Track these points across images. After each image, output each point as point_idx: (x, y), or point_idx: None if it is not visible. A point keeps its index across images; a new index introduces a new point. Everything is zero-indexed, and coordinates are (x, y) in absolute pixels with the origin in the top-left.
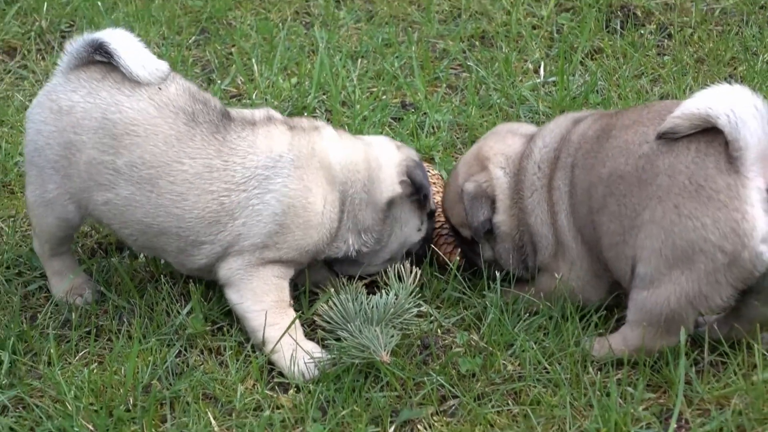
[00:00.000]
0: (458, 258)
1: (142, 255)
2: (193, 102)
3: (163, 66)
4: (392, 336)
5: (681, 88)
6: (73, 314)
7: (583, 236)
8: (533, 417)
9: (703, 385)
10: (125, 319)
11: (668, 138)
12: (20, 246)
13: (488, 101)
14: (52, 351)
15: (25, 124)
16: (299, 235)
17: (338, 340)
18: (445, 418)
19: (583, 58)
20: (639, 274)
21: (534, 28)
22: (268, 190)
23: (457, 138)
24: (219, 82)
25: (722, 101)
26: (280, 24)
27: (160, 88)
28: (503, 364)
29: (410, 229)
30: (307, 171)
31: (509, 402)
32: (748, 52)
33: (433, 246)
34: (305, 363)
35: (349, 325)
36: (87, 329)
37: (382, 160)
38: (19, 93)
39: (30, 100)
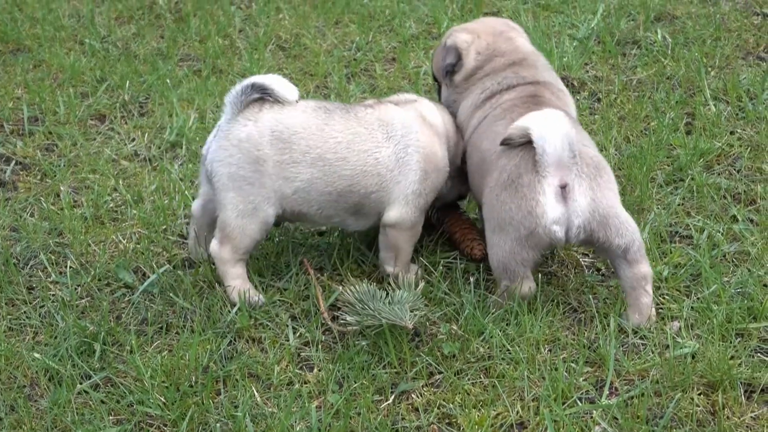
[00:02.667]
0: (478, 254)
1: (202, 267)
2: (318, 103)
3: (296, 90)
4: (416, 308)
5: (608, 139)
6: (149, 314)
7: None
8: (500, 387)
9: (629, 361)
10: (189, 317)
11: (508, 144)
12: (108, 263)
13: None
14: (133, 342)
15: (211, 165)
16: (434, 177)
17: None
18: (432, 389)
19: None
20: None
21: None
22: (408, 145)
23: None
24: None
25: (537, 121)
26: (305, 95)
27: (297, 101)
28: (476, 347)
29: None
30: (424, 129)
31: (481, 376)
32: (658, 111)
33: (463, 239)
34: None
35: (370, 303)
36: (160, 326)
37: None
38: (108, 148)
39: (116, 155)
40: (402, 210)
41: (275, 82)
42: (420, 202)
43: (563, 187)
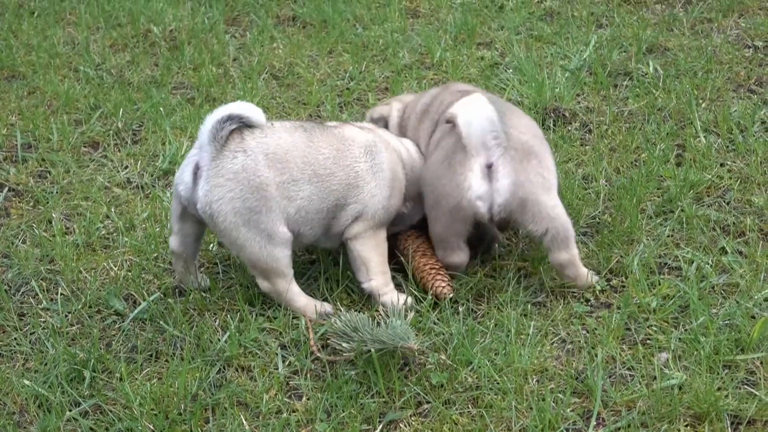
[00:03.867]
0: (448, 294)
1: (192, 295)
2: (292, 123)
3: (261, 111)
4: (413, 333)
5: (598, 170)
6: (139, 341)
7: None
8: (487, 417)
9: (616, 392)
10: (179, 345)
11: (450, 123)
12: (99, 290)
13: None
14: (122, 370)
15: (209, 207)
16: (397, 196)
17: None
18: (420, 419)
19: None
20: None
21: None
22: (382, 161)
23: None
24: None
25: (462, 107)
26: None
27: (272, 124)
28: (465, 377)
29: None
30: (389, 150)
31: (469, 406)
32: (649, 142)
33: (430, 281)
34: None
35: (366, 329)
36: (150, 353)
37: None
38: (100, 176)
39: (109, 182)
40: (365, 222)
41: (247, 108)
42: (383, 216)
43: (489, 167)
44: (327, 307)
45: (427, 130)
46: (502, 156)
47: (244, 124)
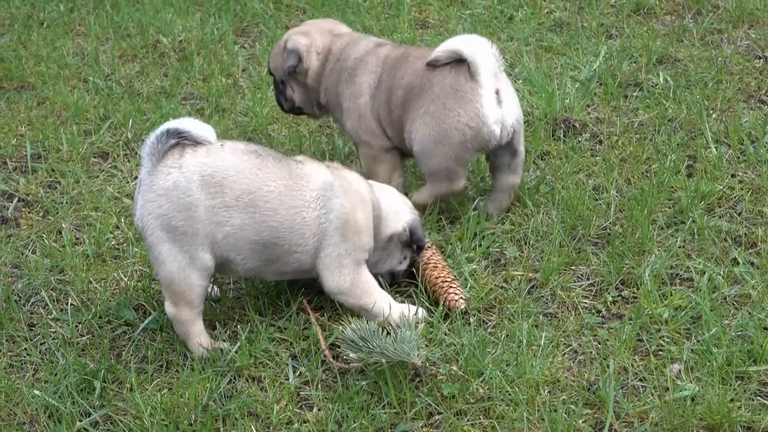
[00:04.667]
0: (462, 307)
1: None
2: (247, 146)
3: (213, 130)
4: (420, 347)
5: (609, 180)
6: (149, 352)
7: (378, 115)
8: (499, 428)
9: (628, 403)
10: (189, 355)
11: (433, 65)
12: (110, 300)
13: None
14: (133, 380)
15: (141, 221)
16: (355, 240)
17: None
18: (431, 430)
19: (535, 159)
20: (415, 150)
21: None
22: (331, 210)
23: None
24: None
25: (467, 43)
26: (307, 134)
27: (222, 144)
28: (476, 388)
29: (395, 260)
30: (349, 194)
31: (481, 417)
32: (660, 153)
33: (443, 294)
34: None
35: (374, 341)
36: (160, 363)
37: (395, 206)
38: (110, 186)
39: (119, 193)
40: (333, 276)
41: (191, 125)
42: (346, 261)
43: (497, 93)
44: (222, 345)
45: (369, 83)
46: (505, 83)
47: (186, 141)
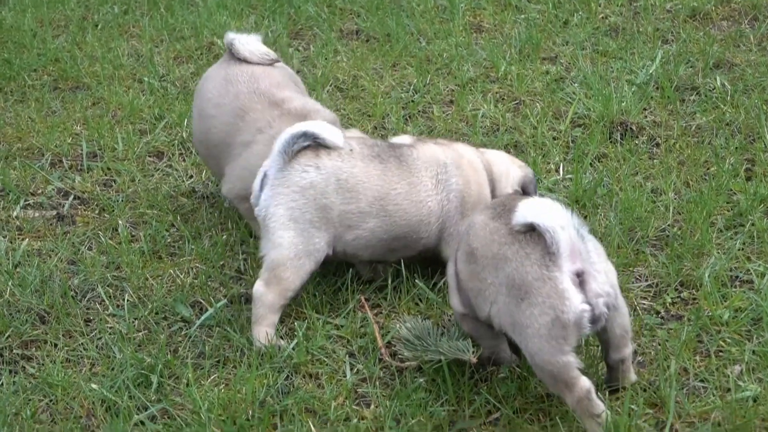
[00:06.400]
0: None
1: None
2: (371, 150)
3: (342, 135)
4: (474, 346)
5: (667, 183)
6: (206, 347)
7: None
8: (561, 427)
9: (689, 404)
10: (246, 352)
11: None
12: (166, 297)
13: None
14: (189, 375)
15: (265, 210)
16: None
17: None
18: (490, 427)
19: (592, 161)
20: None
21: (554, 138)
22: (450, 191)
23: None
24: None
25: (545, 214)
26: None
27: (351, 150)
28: (534, 386)
29: None
30: (464, 169)
31: (540, 416)
32: (718, 156)
33: None
34: None
35: (429, 338)
36: (217, 359)
37: (504, 167)
38: (165, 185)
39: (174, 191)
40: (453, 250)
41: (325, 129)
42: None
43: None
44: (281, 342)
45: None
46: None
47: (318, 144)
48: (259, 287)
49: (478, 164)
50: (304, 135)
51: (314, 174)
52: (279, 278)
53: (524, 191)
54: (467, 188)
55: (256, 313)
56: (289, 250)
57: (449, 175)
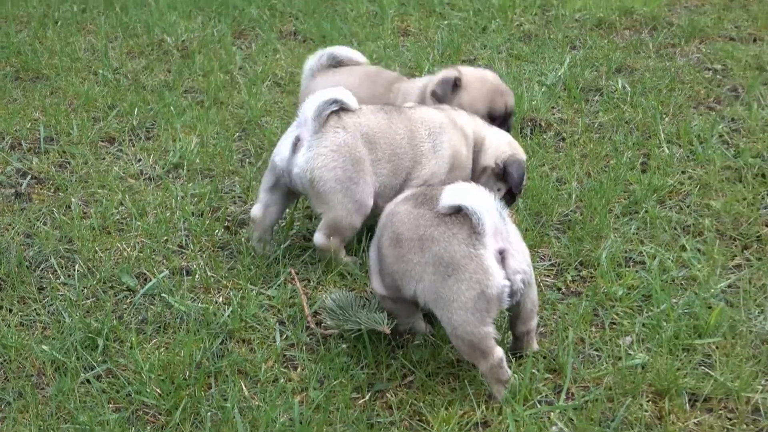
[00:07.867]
0: None
1: (197, 275)
2: (374, 106)
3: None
4: (389, 319)
5: (571, 173)
6: (148, 314)
7: None
8: (468, 388)
9: (585, 370)
10: (185, 319)
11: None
12: (113, 268)
13: None
14: (133, 339)
15: (310, 173)
16: (458, 173)
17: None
18: (405, 389)
19: None
20: None
21: None
22: (442, 141)
23: None
24: (255, 164)
25: (472, 197)
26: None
27: (360, 108)
28: (446, 353)
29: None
30: (455, 132)
31: (450, 379)
32: (617, 151)
33: None
34: None
35: (350, 309)
36: (158, 325)
37: (496, 143)
38: (116, 167)
39: (124, 173)
40: None
41: (345, 95)
42: None
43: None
44: (356, 260)
45: None
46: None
47: (341, 108)
48: (320, 240)
49: (468, 132)
50: (334, 101)
51: (343, 133)
52: (338, 232)
53: (505, 170)
54: (458, 148)
55: (323, 257)
56: (341, 211)
57: (442, 131)
